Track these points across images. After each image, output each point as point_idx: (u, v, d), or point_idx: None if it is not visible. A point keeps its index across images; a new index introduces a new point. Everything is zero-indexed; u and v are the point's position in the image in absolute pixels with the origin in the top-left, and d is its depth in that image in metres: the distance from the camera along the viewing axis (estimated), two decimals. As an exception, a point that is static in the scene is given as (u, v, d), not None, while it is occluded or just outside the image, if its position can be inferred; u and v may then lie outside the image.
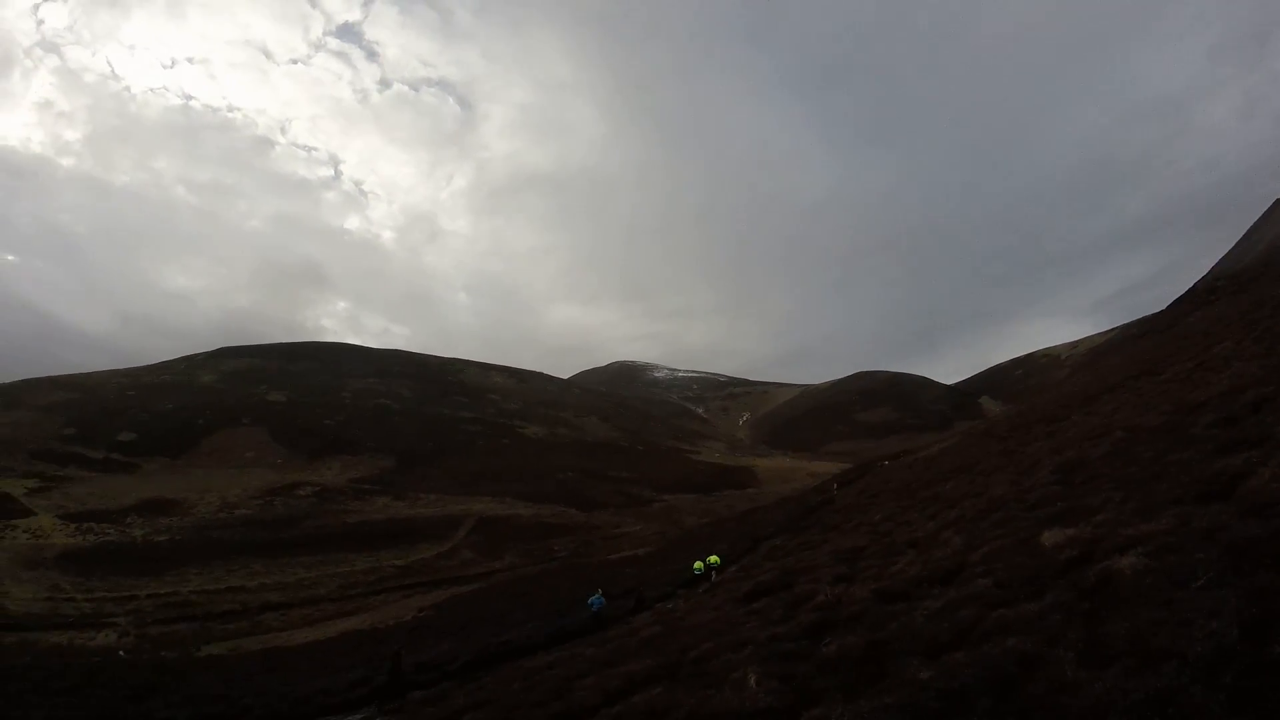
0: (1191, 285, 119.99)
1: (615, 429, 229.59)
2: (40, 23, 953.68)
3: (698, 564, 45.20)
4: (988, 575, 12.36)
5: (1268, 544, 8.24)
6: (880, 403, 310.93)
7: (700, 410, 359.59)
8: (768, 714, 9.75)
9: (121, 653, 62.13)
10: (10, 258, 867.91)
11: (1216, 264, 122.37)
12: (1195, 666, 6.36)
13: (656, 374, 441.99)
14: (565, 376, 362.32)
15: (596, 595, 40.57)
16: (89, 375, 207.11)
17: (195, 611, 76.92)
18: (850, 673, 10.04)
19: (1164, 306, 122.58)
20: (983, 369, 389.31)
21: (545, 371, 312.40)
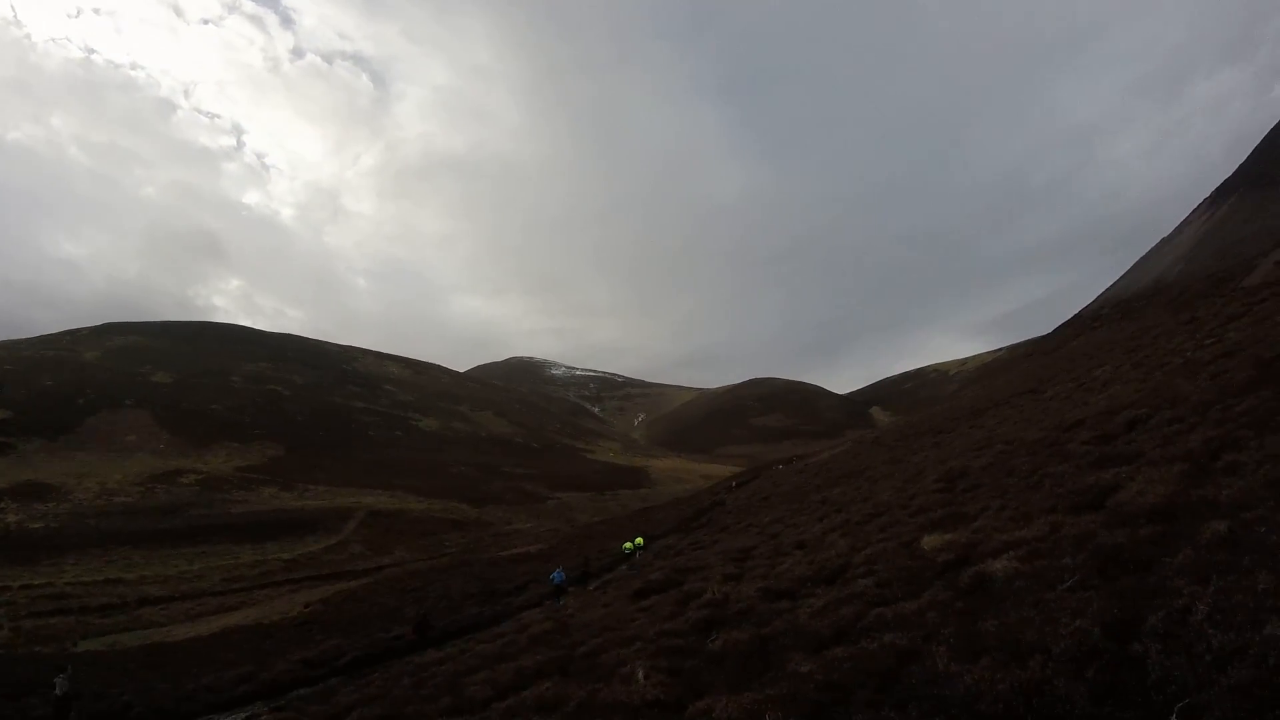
0: (1080, 310, 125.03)
1: (511, 425, 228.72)
2: None
3: (626, 544, 52.21)
4: (869, 575, 12.99)
5: (1131, 551, 8.80)
6: (775, 408, 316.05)
7: (597, 409, 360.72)
8: (655, 706, 10.09)
9: None
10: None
11: (1105, 291, 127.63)
12: (1060, 661, 6.78)
13: (554, 371, 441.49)
14: (463, 370, 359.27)
15: (558, 570, 43.76)
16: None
17: (72, 604, 73.90)
18: (736, 666, 10.52)
19: (1053, 328, 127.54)
20: (876, 380, 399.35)
21: (443, 364, 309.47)
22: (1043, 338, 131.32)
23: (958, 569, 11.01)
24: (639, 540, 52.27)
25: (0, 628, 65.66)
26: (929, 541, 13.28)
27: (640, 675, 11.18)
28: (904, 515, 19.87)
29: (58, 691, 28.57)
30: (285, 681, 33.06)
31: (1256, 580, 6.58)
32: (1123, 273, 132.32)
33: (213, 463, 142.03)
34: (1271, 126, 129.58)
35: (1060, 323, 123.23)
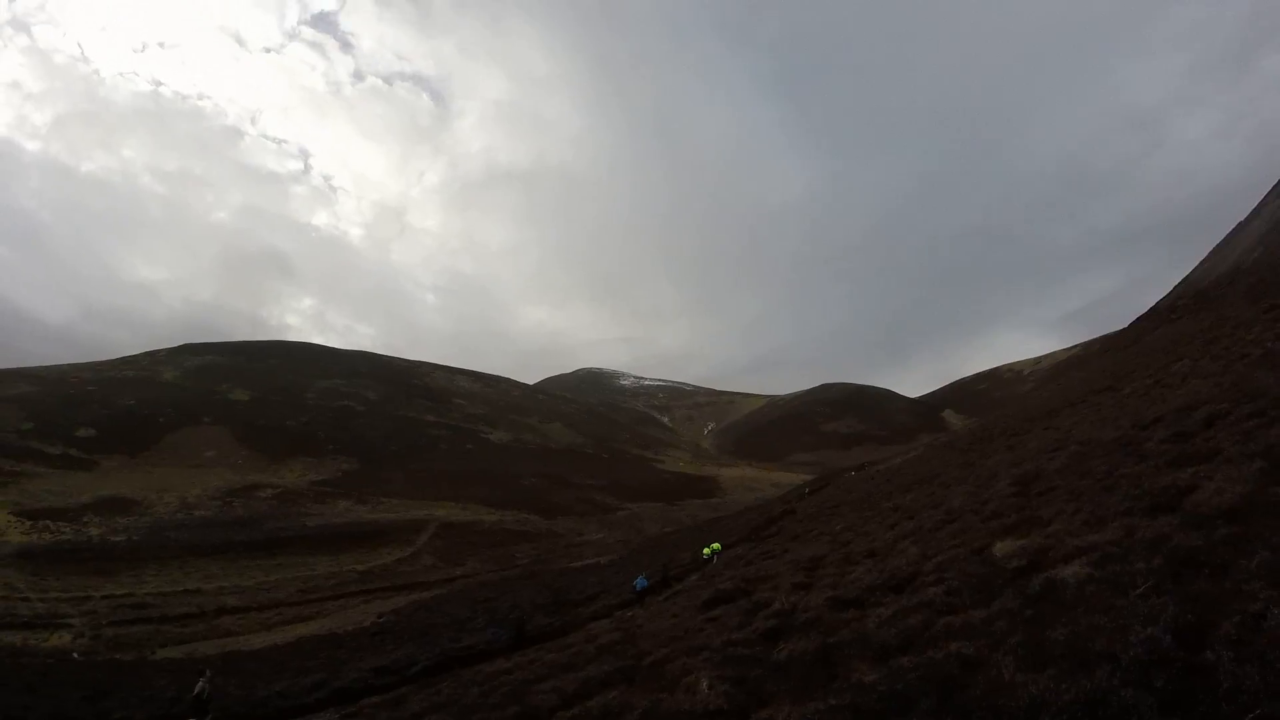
0: (1156, 302, 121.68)
1: (580, 436, 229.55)
2: (11, 1, 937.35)
3: (705, 549, 53.84)
4: (939, 583, 12.61)
5: (1207, 554, 8.50)
6: (845, 414, 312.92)
7: (665, 419, 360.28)
8: (718, 715, 9.95)
9: (76, 654, 61.33)
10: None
11: (1181, 281, 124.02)
12: (1128, 669, 6.55)
13: (623, 381, 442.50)
14: (532, 382, 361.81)
15: (641, 577, 45.78)
16: (49, 368, 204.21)
17: (151, 614, 75.92)
18: (801, 676, 10.26)
19: (1129, 322, 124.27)
20: (948, 382, 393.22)
21: (512, 376, 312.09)
22: (1118, 332, 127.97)
23: (1028, 575, 10.67)
24: (716, 546, 54.40)
25: (82, 635, 67.43)
26: (1001, 547, 12.90)
27: (704, 685, 10.98)
28: (976, 521, 19.37)
29: (196, 692, 29.77)
30: (357, 689, 33.36)
31: None
32: (1198, 260, 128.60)
33: (288, 477, 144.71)
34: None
35: (1136, 316, 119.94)
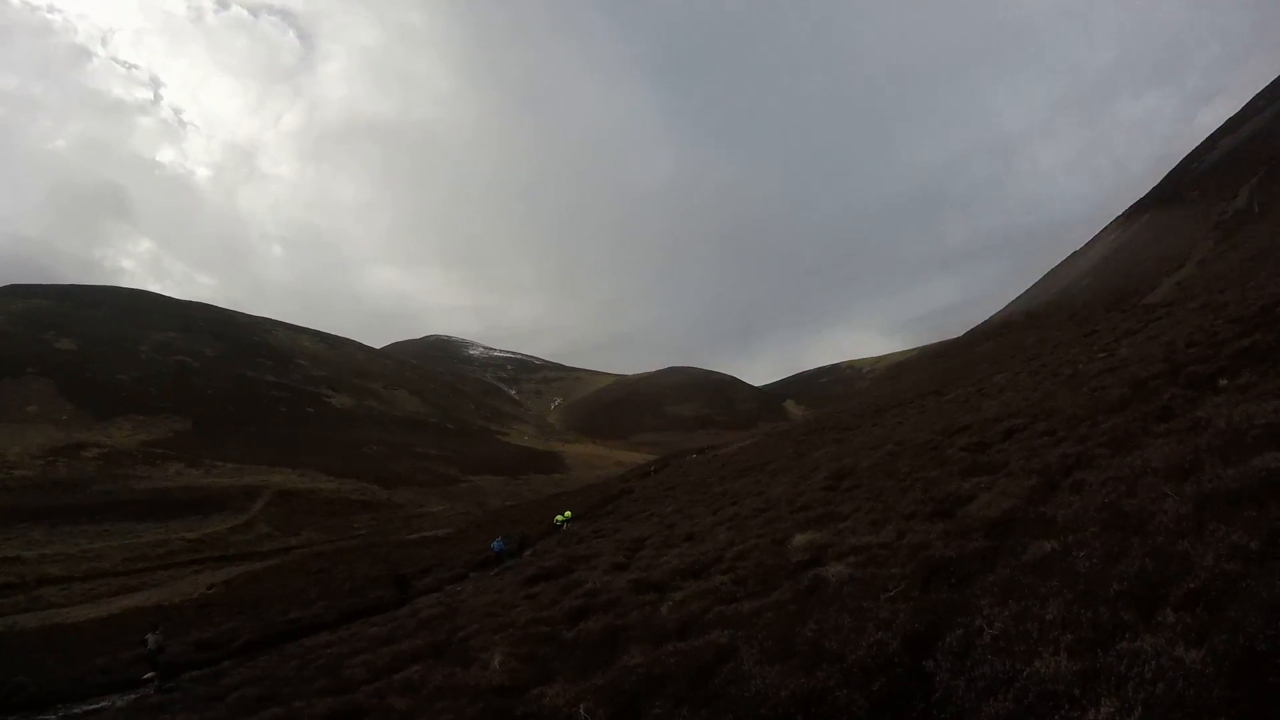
0: (990, 315, 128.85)
1: (426, 404, 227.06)
2: None
3: (557, 518, 57.60)
4: (731, 571, 13.76)
5: (957, 565, 9.32)
6: (691, 397, 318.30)
7: (513, 392, 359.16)
8: (501, 691, 10.74)
9: None
10: None
11: (1015, 299, 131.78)
12: (851, 670, 7.13)
13: (471, 351, 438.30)
14: (379, 346, 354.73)
15: (498, 540, 48.02)
16: None
17: (-32, 585, 72.66)
18: (585, 656, 11.26)
19: (963, 332, 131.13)
20: (792, 374, 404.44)
21: (358, 339, 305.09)
22: (952, 341, 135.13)
23: (807, 570, 11.71)
24: (568, 514, 58.35)
25: (-109, 607, 64.08)
26: (799, 539, 14.07)
27: (497, 661, 11.96)
28: (787, 512, 20.71)
29: (150, 646, 30.77)
30: (180, 663, 33.19)
31: (1047, 609, 6.77)
32: (1035, 281, 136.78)
33: (117, 436, 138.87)
34: (1190, 150, 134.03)
35: (971, 327, 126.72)
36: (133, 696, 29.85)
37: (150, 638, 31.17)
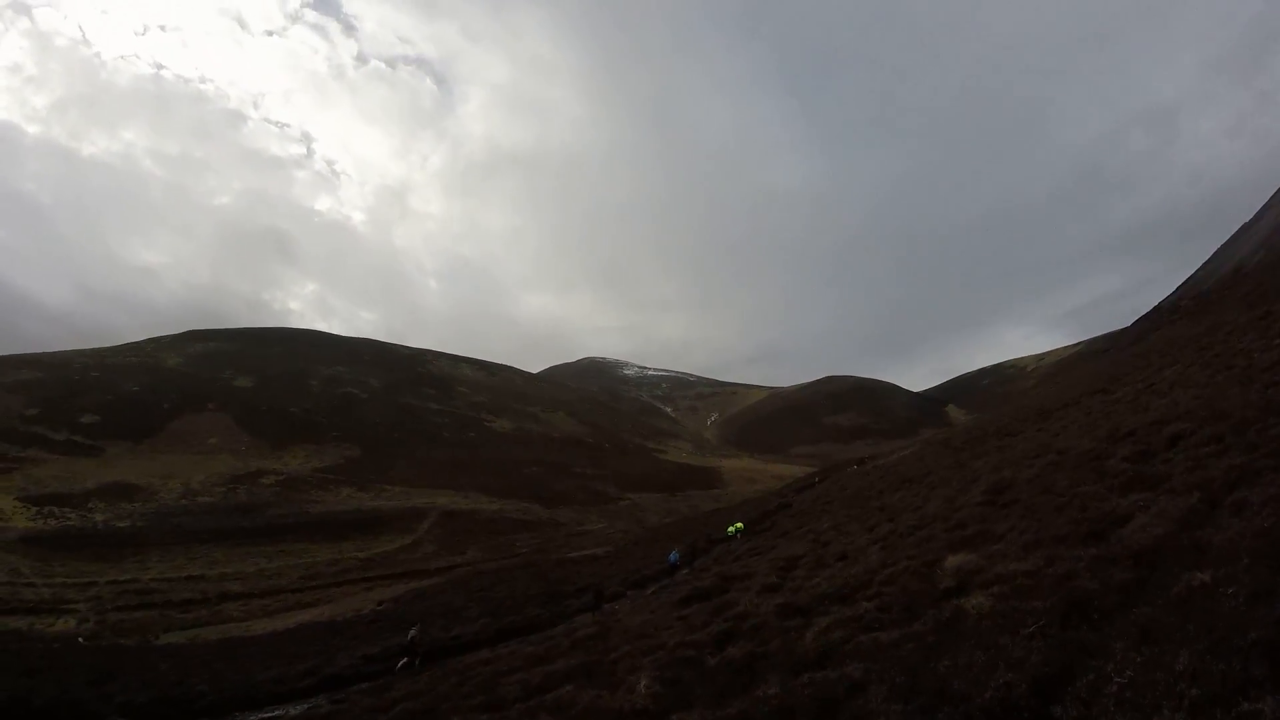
0: (1159, 302, 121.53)
1: (583, 425, 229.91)
2: None
3: (730, 528, 58.10)
4: (876, 598, 13.18)
5: (1100, 599, 8.74)
6: (847, 407, 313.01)
7: (669, 409, 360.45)
8: (641, 715, 10.60)
9: (81, 639, 62.30)
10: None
11: (1185, 281, 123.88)
12: (974, 713, 6.82)
13: (626, 371, 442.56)
14: (535, 370, 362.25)
15: (674, 551, 50.25)
16: (52, 354, 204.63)
17: (155, 599, 76.91)
18: (725, 682, 10.90)
19: (1132, 321, 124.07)
20: (952, 376, 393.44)
21: (515, 364, 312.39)
22: (1120, 332, 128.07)
23: (951, 598, 11.11)
24: (739, 525, 57.85)
25: (86, 620, 68.41)
26: (950, 562, 13.38)
27: (642, 685, 11.64)
28: (941, 530, 19.87)
29: (410, 636, 34.87)
30: (348, 675, 34.13)
31: (1179, 657, 6.39)
32: (1203, 261, 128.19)
33: (291, 464, 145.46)
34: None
35: (1139, 315, 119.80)
36: (305, 706, 30.83)
37: (411, 631, 34.93)
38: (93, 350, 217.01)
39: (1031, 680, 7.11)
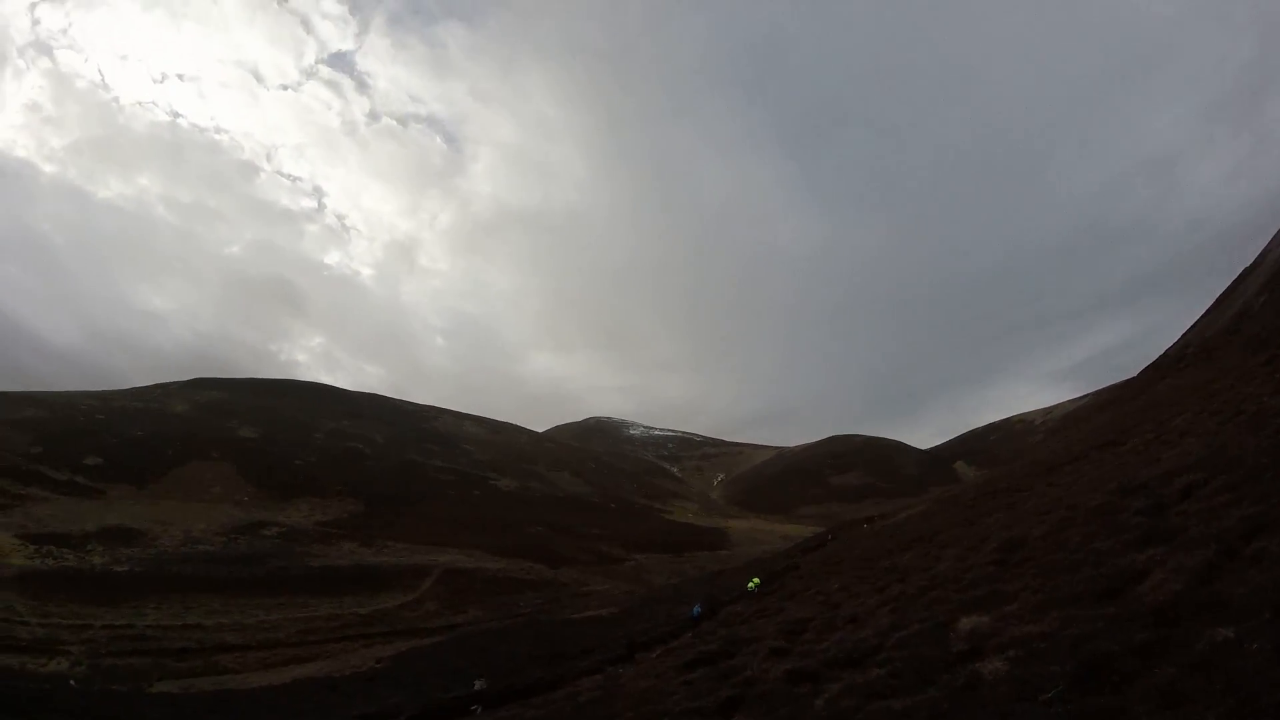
0: (1165, 350, 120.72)
1: (588, 485, 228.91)
2: (36, 22, 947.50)
3: (750, 583, 59.12)
4: (888, 663, 12.85)
5: (1118, 662, 8.50)
6: (853, 466, 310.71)
7: (674, 469, 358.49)
8: None
9: (72, 681, 61.76)
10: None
11: (1190, 328, 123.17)
12: None
13: (632, 431, 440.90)
14: (540, 429, 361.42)
15: (697, 605, 52.71)
16: (59, 394, 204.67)
17: (150, 646, 76.12)
18: (731, 754, 10.58)
19: (1138, 371, 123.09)
20: (960, 433, 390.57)
21: (520, 422, 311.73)
22: (1126, 382, 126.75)
23: (965, 662, 10.83)
24: (756, 580, 59.34)
25: (80, 663, 67.79)
26: (962, 624, 13.11)
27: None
28: (952, 591, 19.55)
29: (477, 687, 38.35)
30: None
31: None
32: (1208, 305, 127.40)
33: (294, 516, 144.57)
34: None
35: (1145, 365, 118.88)
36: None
37: (477, 682, 38.53)
38: (99, 392, 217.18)
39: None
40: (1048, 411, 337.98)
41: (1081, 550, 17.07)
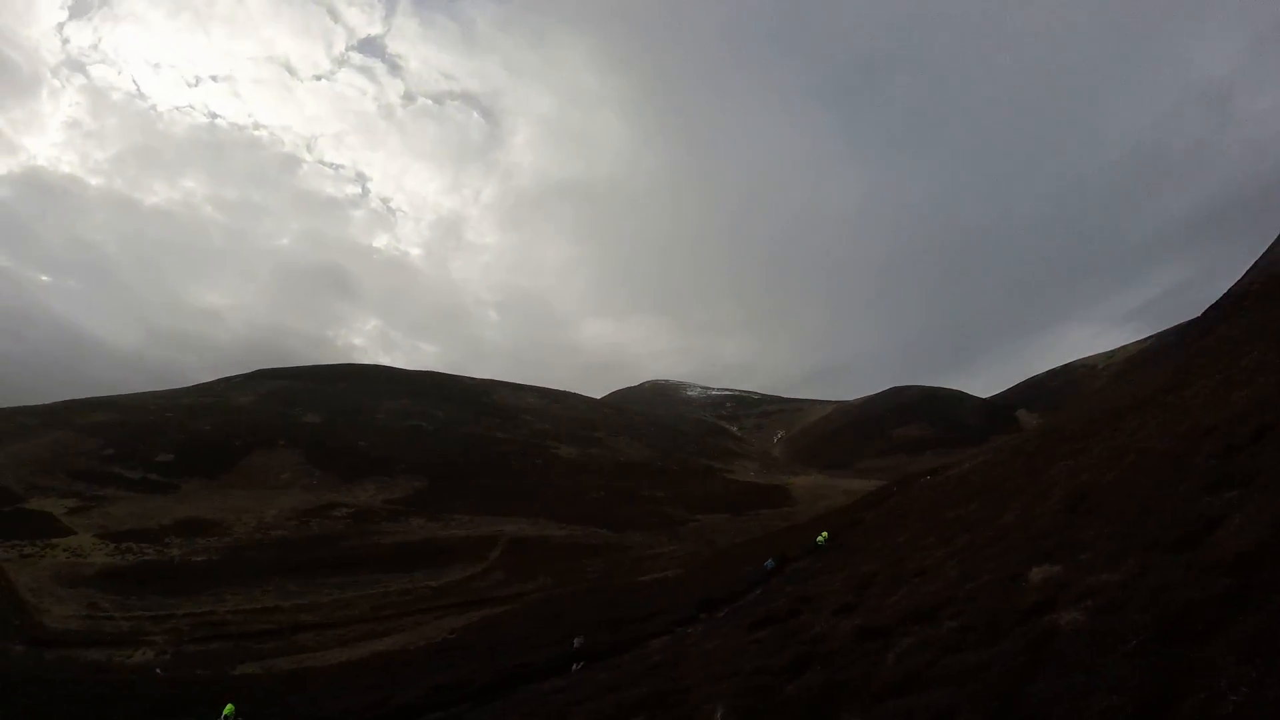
0: (1229, 288, 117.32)
1: (648, 448, 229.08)
2: (65, 41, 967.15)
3: (819, 537, 58.65)
4: (960, 616, 12.57)
5: (1200, 612, 8.18)
6: (915, 417, 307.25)
7: (734, 429, 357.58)
8: None
9: (158, 670, 63.50)
10: (43, 278, 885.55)
11: (1253, 265, 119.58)
12: None
13: (690, 392, 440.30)
14: (599, 395, 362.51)
15: (770, 559, 52.93)
16: (128, 396, 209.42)
17: (230, 631, 77.97)
18: (803, 712, 10.34)
19: (1201, 311, 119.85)
20: (1021, 380, 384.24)
21: (578, 391, 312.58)
22: (1191, 323, 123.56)
23: (1039, 614, 10.49)
24: (825, 535, 58.95)
25: (164, 652, 69.57)
26: (1034, 575, 12.77)
27: (718, 715, 11.17)
28: (1021, 540, 19.14)
29: (576, 645, 39.08)
30: (418, 705, 33.97)
31: None
32: (1271, 241, 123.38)
33: (362, 496, 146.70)
34: None
35: (1209, 305, 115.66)
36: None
37: (576, 640, 39.28)
38: (166, 392, 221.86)
39: (1136, 703, 6.56)
40: (1110, 355, 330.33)
41: (1153, 497, 16.55)
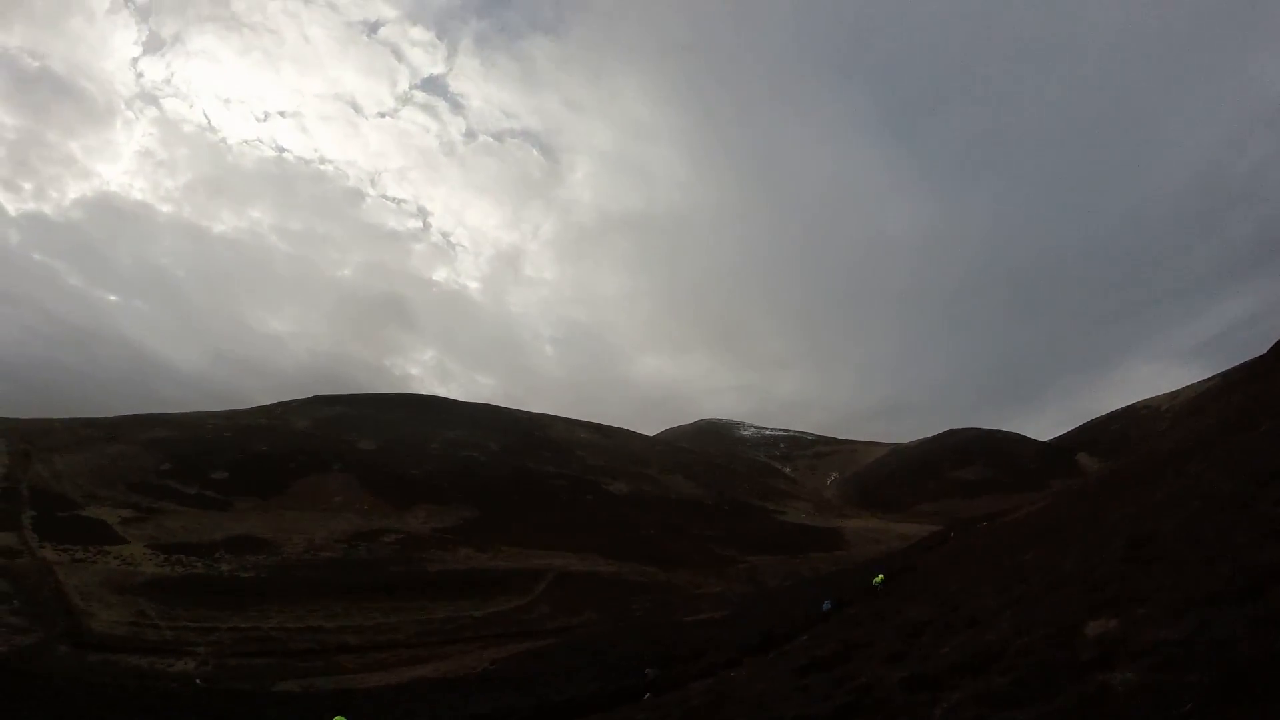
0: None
1: (700, 487, 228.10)
2: (139, 75, 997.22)
3: (875, 579, 57.46)
4: (1011, 670, 12.00)
5: (1261, 670, 7.72)
6: (972, 460, 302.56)
7: (787, 469, 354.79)
8: None
9: (198, 680, 64.12)
10: (112, 298, 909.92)
11: None
12: None
13: (743, 432, 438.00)
14: (652, 432, 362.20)
15: (827, 600, 52.14)
16: (188, 414, 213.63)
17: (274, 647, 78.76)
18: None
19: (1269, 347, 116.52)
20: (1081, 422, 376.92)
21: (631, 426, 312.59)
22: (1257, 360, 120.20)
23: (1094, 671, 9.96)
24: (880, 577, 58.21)
25: (205, 663, 70.24)
26: (1091, 628, 12.23)
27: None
28: (1079, 591, 18.41)
29: (649, 676, 39.55)
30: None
31: None
32: None
33: (412, 523, 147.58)
34: None
35: (1277, 339, 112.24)
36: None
37: (648, 671, 39.91)
38: (225, 412, 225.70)
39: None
40: (1173, 396, 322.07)
41: (1218, 544, 15.84)
